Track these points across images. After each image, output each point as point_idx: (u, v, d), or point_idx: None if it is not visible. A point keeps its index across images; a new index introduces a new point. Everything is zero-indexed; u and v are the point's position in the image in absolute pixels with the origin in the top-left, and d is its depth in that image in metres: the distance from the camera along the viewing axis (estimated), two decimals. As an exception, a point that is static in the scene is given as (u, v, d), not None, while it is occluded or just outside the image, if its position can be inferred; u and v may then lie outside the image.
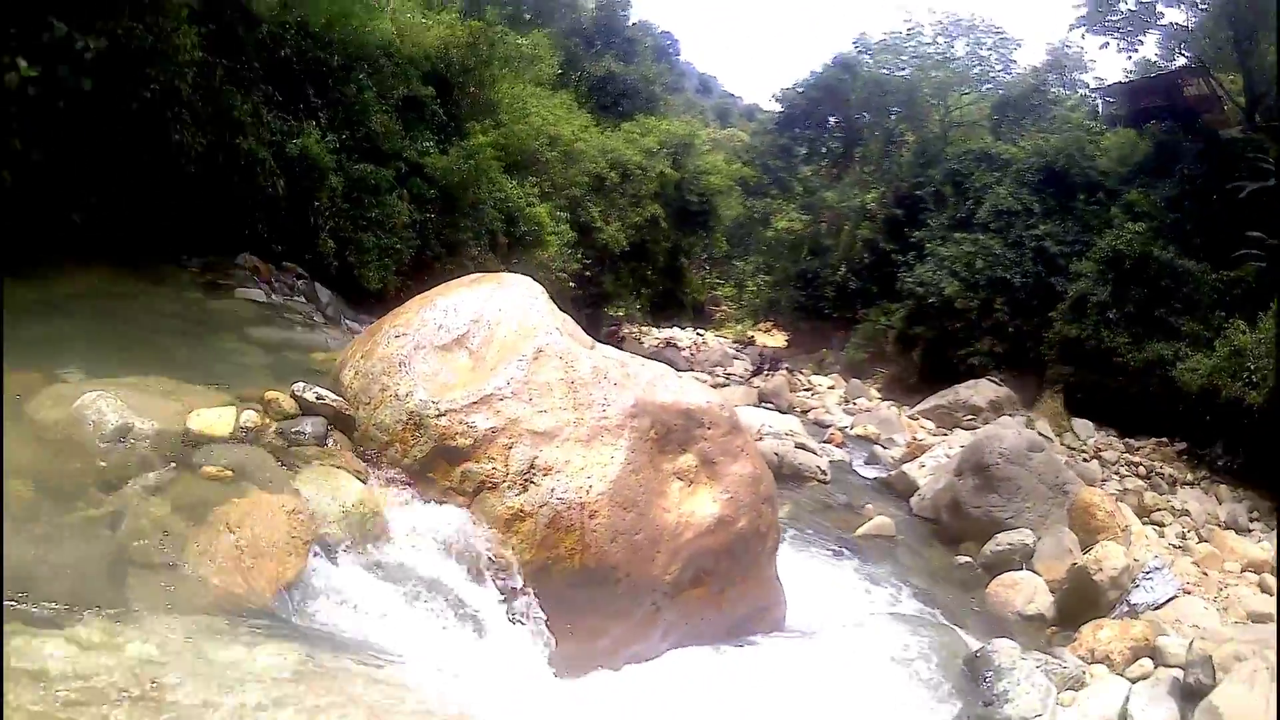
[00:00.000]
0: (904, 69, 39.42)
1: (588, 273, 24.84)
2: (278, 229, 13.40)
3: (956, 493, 14.12)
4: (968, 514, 13.78)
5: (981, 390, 24.53)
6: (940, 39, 39.76)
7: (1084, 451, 22.15)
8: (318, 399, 6.88)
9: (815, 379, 30.61)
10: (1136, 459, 21.83)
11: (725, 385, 26.42)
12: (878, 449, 20.43)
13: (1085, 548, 12.12)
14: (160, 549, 4.94)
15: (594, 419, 7.29)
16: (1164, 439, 22.45)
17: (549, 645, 6.52)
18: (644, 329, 37.49)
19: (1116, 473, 20.90)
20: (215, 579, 4.94)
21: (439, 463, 6.81)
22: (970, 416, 23.52)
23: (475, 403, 6.96)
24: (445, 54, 18.92)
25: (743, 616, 8.41)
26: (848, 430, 22.39)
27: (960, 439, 19.80)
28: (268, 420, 6.58)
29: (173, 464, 5.65)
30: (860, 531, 13.54)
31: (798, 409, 24.74)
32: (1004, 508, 13.45)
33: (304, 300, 12.82)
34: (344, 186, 14.66)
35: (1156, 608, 10.59)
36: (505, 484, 6.76)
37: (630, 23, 46.51)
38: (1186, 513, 18.11)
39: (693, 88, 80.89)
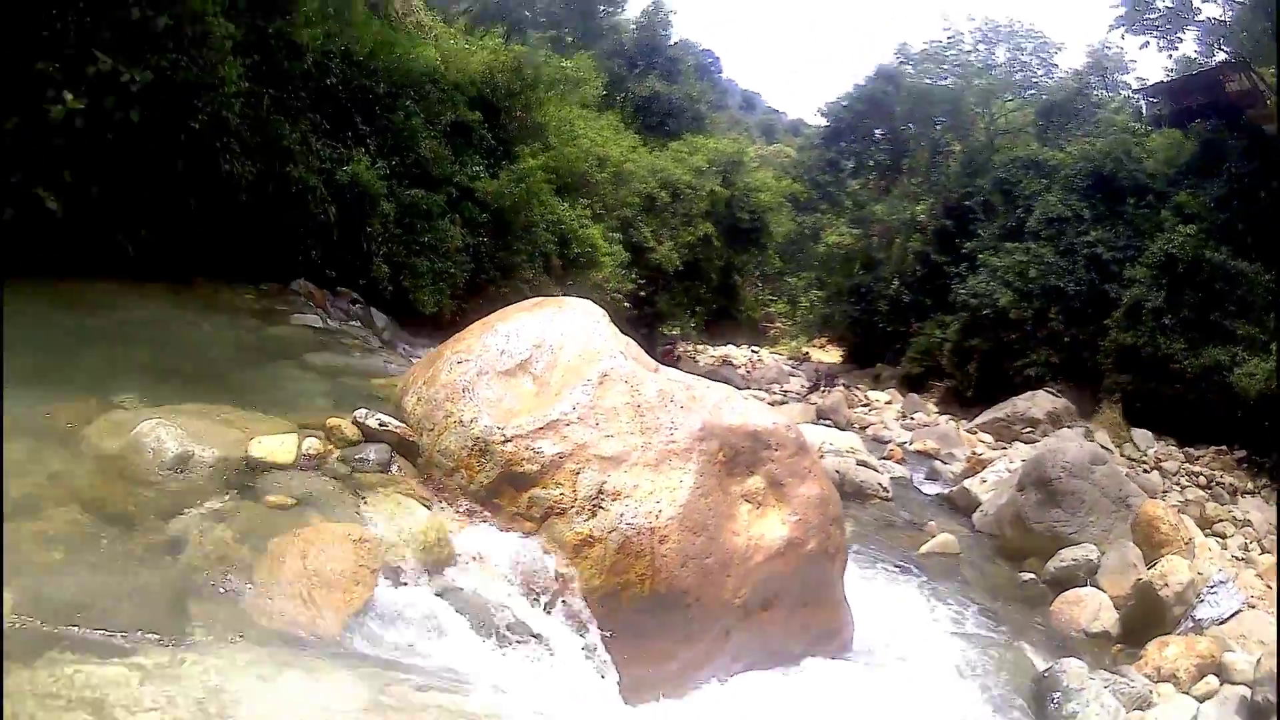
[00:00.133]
0: (946, 78, 39.34)
1: (642, 292, 24.87)
2: (331, 255, 13.47)
3: (1019, 508, 13.87)
4: (1031, 529, 13.52)
5: (1039, 402, 24.26)
6: (981, 46, 39.77)
7: (1144, 462, 21.85)
8: (381, 425, 6.77)
9: (872, 394, 30.38)
10: (1197, 468, 21.54)
11: (783, 402, 26.29)
12: (938, 464, 20.21)
13: (1149, 562, 11.83)
14: (223, 577, 4.83)
15: (661, 443, 7.13)
16: (1223, 447, 22.11)
17: (617, 671, 6.34)
18: (699, 347, 37.40)
19: (1177, 483, 20.62)
20: (280, 608, 4.82)
21: (505, 489, 6.67)
22: (1029, 429, 23.27)
23: (541, 428, 6.81)
24: (490, 79, 19.07)
25: (811, 639, 8.22)
26: (907, 446, 22.14)
27: (1020, 453, 19.65)
28: (330, 447, 6.47)
29: (234, 492, 5.55)
30: (924, 549, 13.35)
31: (856, 425, 24.49)
32: (1067, 522, 13.21)
33: (359, 325, 12.80)
34: (396, 212, 14.75)
35: (1221, 623, 10.30)
36: (573, 509, 6.60)
37: (672, 42, 46.79)
38: (1249, 523, 17.80)
39: (736, 105, 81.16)
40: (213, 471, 5.64)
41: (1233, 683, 8.72)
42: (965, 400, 28.20)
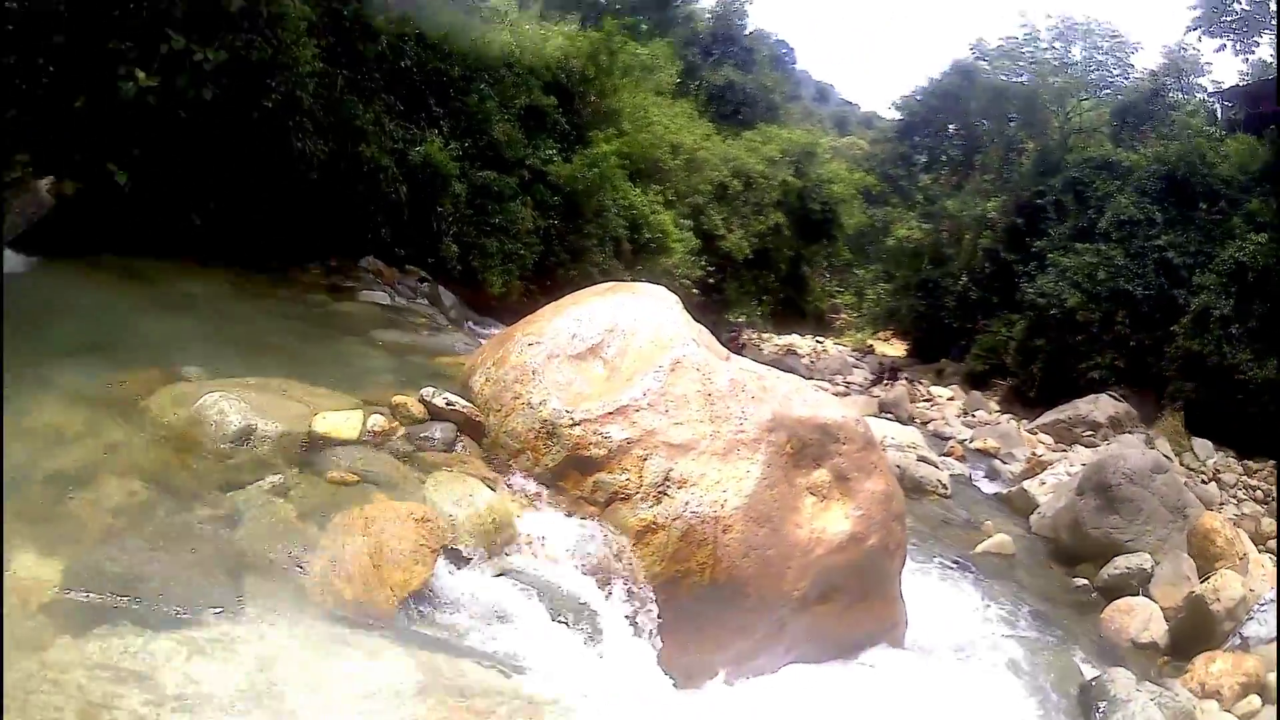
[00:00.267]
0: (1022, 75, 38.82)
1: (710, 279, 24.84)
2: (401, 234, 13.53)
3: (1077, 512, 13.59)
4: (1087, 535, 13.26)
5: (1101, 406, 23.78)
6: (1057, 43, 39.18)
7: (1203, 473, 21.31)
8: (447, 404, 6.71)
9: (935, 390, 29.95)
10: (1255, 482, 21.00)
11: (845, 394, 26.01)
12: (997, 463, 19.91)
13: (1203, 575, 11.53)
14: (281, 553, 4.78)
15: (730, 432, 7.02)
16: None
17: (670, 658, 6.27)
18: (763, 336, 37.18)
19: (1234, 496, 20.11)
20: (337, 585, 4.76)
21: (571, 472, 6.59)
22: (1089, 432, 22.86)
23: (610, 413, 6.73)
24: (566, 64, 19.10)
25: (865, 634, 8.14)
26: (967, 443, 21.86)
27: (1080, 456, 19.33)
28: (395, 424, 6.41)
29: (296, 467, 5.51)
30: (979, 548, 13.16)
31: (917, 420, 24.28)
32: (1124, 530, 12.94)
33: (427, 303, 12.83)
34: (467, 193, 14.80)
35: (1269, 642, 10.01)
36: (638, 495, 6.51)
37: (747, 32, 46.83)
38: (1305, 541, 17.30)
39: (810, 96, 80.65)
40: (275, 446, 5.60)
41: (1274, 704, 8.50)
42: (1027, 400, 27.72)
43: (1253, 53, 29.70)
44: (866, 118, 75.16)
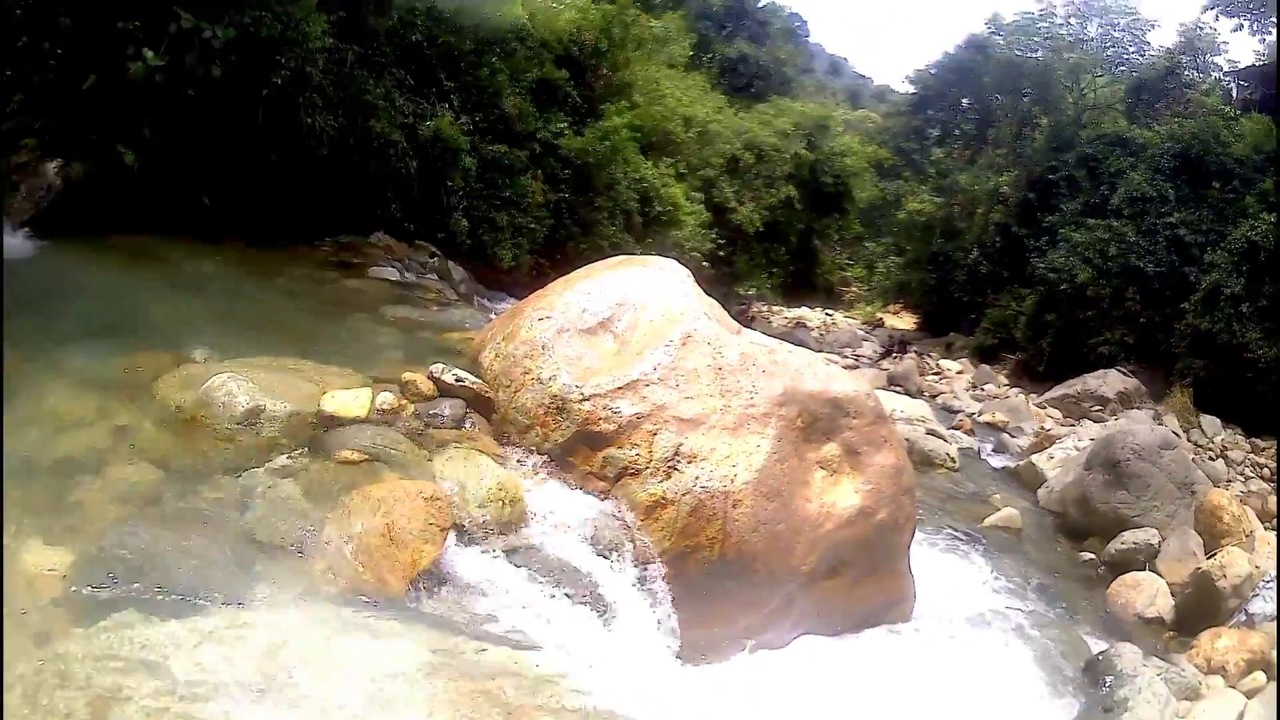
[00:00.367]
0: (1037, 50, 38.45)
1: (721, 252, 24.69)
2: (411, 208, 13.52)
3: (1085, 487, 13.57)
4: (1095, 510, 13.23)
5: (1110, 381, 23.77)
6: (1073, 19, 38.74)
7: (1210, 449, 21.27)
8: (457, 381, 6.71)
9: (944, 363, 29.87)
10: (1262, 460, 20.98)
11: (855, 367, 26.00)
12: (1006, 437, 19.88)
13: (1209, 551, 11.58)
14: (290, 535, 4.77)
15: (741, 406, 7.00)
16: None
17: (680, 633, 6.30)
18: (773, 308, 37.10)
19: (1241, 474, 20.08)
20: (346, 566, 4.75)
21: (580, 448, 6.58)
22: (1098, 407, 22.84)
23: (620, 388, 6.71)
24: (578, 37, 18.93)
25: (873, 608, 8.13)
26: (976, 417, 21.80)
27: (1089, 431, 19.28)
28: (404, 402, 6.40)
29: (305, 447, 5.49)
30: (987, 522, 13.13)
31: (926, 393, 24.27)
32: (1132, 505, 12.88)
33: (437, 278, 12.76)
34: (477, 167, 14.77)
35: (1274, 619, 10.02)
36: (648, 470, 6.50)
37: (760, 5, 46.58)
38: (1310, 520, 17.25)
39: (823, 69, 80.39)
40: (284, 426, 5.58)
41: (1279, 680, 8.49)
42: (1036, 375, 27.63)
43: (1269, 33, 29.48)
44: (880, 91, 74.74)
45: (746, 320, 23.90)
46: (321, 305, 9.69)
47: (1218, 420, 22.61)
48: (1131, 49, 38.13)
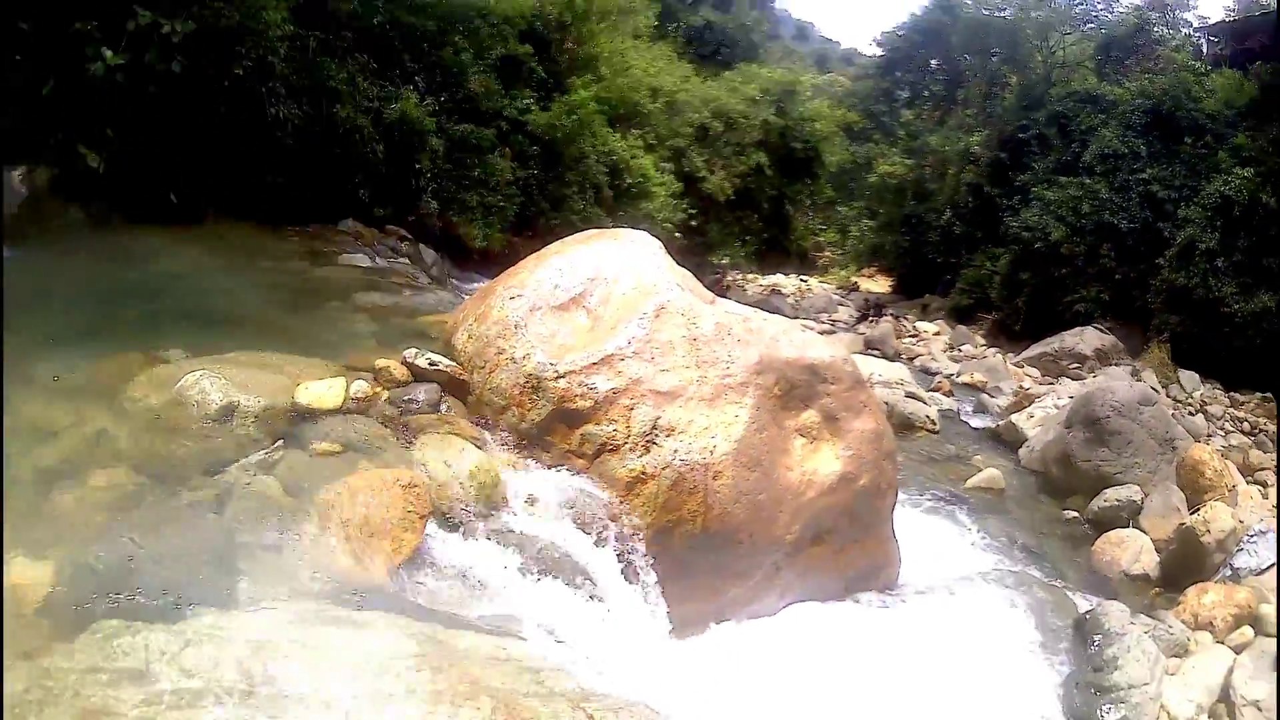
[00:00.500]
0: (1004, 9, 38.42)
1: (693, 222, 24.72)
2: (380, 193, 13.52)
3: (1066, 445, 13.63)
4: (1077, 468, 13.29)
5: (1087, 338, 23.86)
6: (1040, -24, 38.79)
7: (1190, 404, 21.40)
8: (430, 365, 6.69)
9: (920, 325, 29.93)
10: (1241, 414, 21.12)
11: (831, 332, 25.98)
12: (985, 398, 19.84)
13: (1192, 506, 11.62)
14: (269, 531, 4.71)
15: (718, 377, 7.00)
16: (1269, 394, 21.61)
17: (667, 607, 6.32)
18: (748, 277, 37.09)
19: (1222, 428, 20.19)
20: (327, 560, 4.70)
21: (558, 426, 6.58)
22: (1076, 365, 22.94)
23: (595, 363, 6.70)
24: (541, 11, 18.85)
25: (859, 574, 8.21)
26: (955, 378, 21.90)
27: (1068, 389, 19.40)
28: (379, 389, 6.38)
29: (280, 441, 5.42)
30: (969, 484, 13.24)
31: (904, 356, 24.36)
32: (1113, 462, 12.95)
33: (408, 263, 12.79)
34: (445, 148, 14.74)
35: (1260, 573, 10.03)
36: (626, 446, 6.50)
37: (724, -29, 46.17)
38: (1291, 473, 17.33)
39: (790, 34, 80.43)
40: (258, 421, 5.53)
41: (1267, 634, 8.54)
42: (1013, 334, 27.70)
43: (1240, -13, 29.65)
44: (847, 54, 74.88)
45: (721, 289, 23.88)
46: (292, 296, 9.63)
47: (1196, 375, 22.71)
48: (1100, 6, 38.05)
